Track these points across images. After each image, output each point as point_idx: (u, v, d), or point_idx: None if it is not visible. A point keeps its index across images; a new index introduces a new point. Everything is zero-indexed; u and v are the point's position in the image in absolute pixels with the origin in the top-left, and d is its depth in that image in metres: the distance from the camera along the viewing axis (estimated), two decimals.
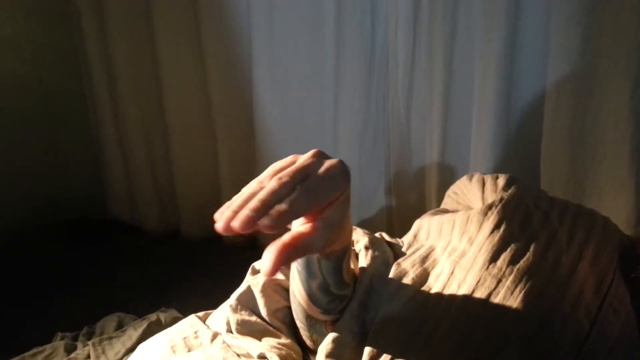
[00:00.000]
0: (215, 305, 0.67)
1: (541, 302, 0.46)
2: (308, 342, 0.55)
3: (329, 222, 0.38)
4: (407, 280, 0.52)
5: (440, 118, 1.15)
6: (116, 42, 1.51)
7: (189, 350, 0.57)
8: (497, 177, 0.65)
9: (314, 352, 0.52)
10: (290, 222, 0.34)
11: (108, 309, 1.00)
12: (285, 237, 0.36)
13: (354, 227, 0.65)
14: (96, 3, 1.50)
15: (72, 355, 0.80)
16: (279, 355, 0.53)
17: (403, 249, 0.60)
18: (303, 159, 0.37)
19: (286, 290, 0.58)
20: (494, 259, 0.50)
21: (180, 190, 1.58)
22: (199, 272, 1.29)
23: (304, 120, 1.35)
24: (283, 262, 0.34)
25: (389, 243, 0.63)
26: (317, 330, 0.53)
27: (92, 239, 1.56)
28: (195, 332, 0.60)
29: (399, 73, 1.20)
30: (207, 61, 1.41)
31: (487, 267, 0.49)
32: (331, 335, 0.49)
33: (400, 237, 0.66)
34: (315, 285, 0.47)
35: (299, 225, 0.38)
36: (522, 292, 0.46)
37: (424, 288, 0.51)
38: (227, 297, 0.63)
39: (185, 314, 0.79)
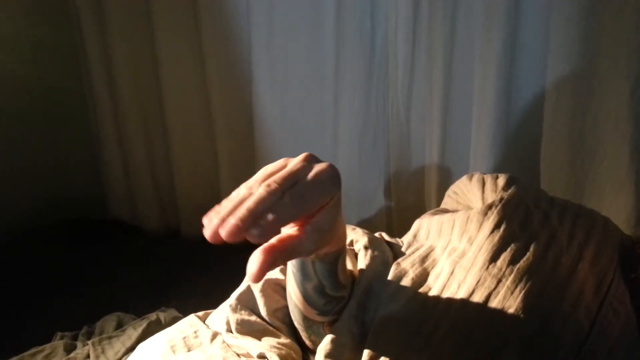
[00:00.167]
0: (215, 305, 0.67)
1: (541, 302, 0.46)
2: (307, 342, 0.55)
3: (318, 227, 0.37)
4: (406, 280, 0.52)
5: (440, 118, 1.15)
6: (116, 42, 1.51)
7: (189, 350, 0.57)
8: (497, 177, 0.65)
9: (314, 352, 0.52)
10: (279, 230, 0.34)
11: (108, 309, 1.00)
12: (273, 240, 0.35)
13: (353, 226, 0.65)
14: (96, 3, 1.50)
15: (72, 354, 0.80)
16: (279, 355, 0.53)
17: (403, 249, 0.60)
18: (293, 163, 0.37)
19: (286, 290, 0.58)
20: (494, 258, 0.50)
21: (180, 190, 1.58)
22: (199, 272, 1.29)
23: (304, 121, 1.35)
24: (270, 265, 0.33)
25: (388, 243, 0.63)
26: (315, 331, 0.53)
27: (92, 239, 1.56)
28: (195, 332, 0.60)
29: (398, 73, 1.20)
30: (207, 61, 1.41)
31: (487, 267, 0.49)
32: (330, 336, 0.49)
33: (400, 237, 0.66)
34: (311, 287, 0.47)
35: (289, 228, 0.38)
36: (522, 292, 0.46)
37: (424, 288, 0.51)
38: (226, 296, 0.63)
39: (185, 313, 0.79)
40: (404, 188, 1.28)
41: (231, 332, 0.58)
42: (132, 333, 0.83)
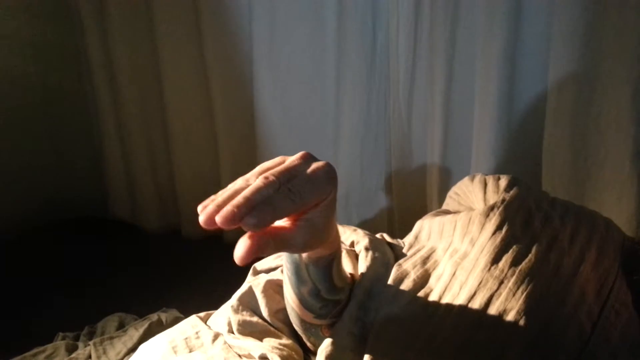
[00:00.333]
0: (216, 305, 0.67)
1: (543, 304, 0.46)
2: (308, 344, 0.55)
3: (311, 224, 0.38)
4: (408, 281, 0.52)
5: (442, 118, 1.15)
6: (117, 42, 1.52)
7: (190, 351, 0.57)
8: (499, 178, 0.65)
9: (315, 353, 0.52)
10: (273, 221, 0.34)
11: (109, 309, 1.00)
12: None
13: (354, 228, 0.65)
14: (97, 3, 1.50)
15: (74, 355, 0.80)
16: (280, 356, 0.53)
17: (404, 250, 0.60)
18: (290, 160, 0.37)
19: None
20: (495, 260, 0.50)
21: (181, 190, 1.59)
22: (200, 272, 1.29)
23: (305, 121, 1.35)
24: (257, 250, 0.33)
25: (389, 244, 0.62)
26: (313, 334, 0.53)
27: (93, 239, 1.56)
28: (197, 333, 0.60)
29: (400, 73, 1.19)
30: (208, 61, 1.41)
31: (489, 269, 0.49)
32: (331, 337, 0.49)
33: (401, 238, 0.66)
34: (306, 291, 0.47)
35: (282, 222, 0.38)
36: (524, 294, 0.46)
37: (425, 289, 0.51)
38: (228, 297, 0.63)
39: (186, 313, 0.79)
40: (405, 188, 1.28)
41: (233, 332, 0.59)
42: (134, 333, 0.83)
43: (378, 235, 0.65)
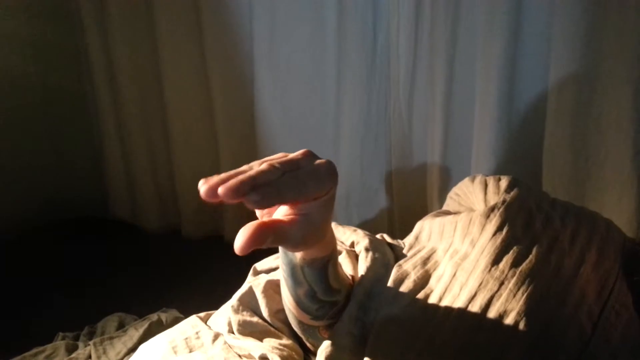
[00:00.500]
0: (216, 305, 0.67)
1: (543, 305, 0.46)
2: (308, 344, 0.55)
3: (309, 220, 0.38)
4: (408, 282, 0.52)
5: (442, 119, 1.15)
6: (118, 42, 1.52)
7: (191, 351, 0.57)
8: (499, 179, 0.65)
9: (315, 354, 0.52)
10: (275, 204, 0.34)
11: (109, 309, 1.00)
12: (264, 219, 0.36)
13: (354, 228, 0.65)
14: (97, 2, 1.50)
15: (74, 355, 0.80)
16: (281, 356, 0.53)
17: (404, 251, 0.60)
18: (293, 154, 0.37)
19: None
20: (496, 261, 0.50)
21: (181, 190, 1.58)
22: (200, 272, 1.29)
23: (305, 121, 1.35)
24: (257, 240, 0.33)
25: (390, 245, 0.62)
26: (312, 335, 0.53)
27: (93, 239, 1.57)
28: (197, 333, 0.60)
29: (400, 73, 1.19)
30: (208, 61, 1.41)
31: (490, 270, 0.49)
32: (330, 338, 0.49)
33: (402, 238, 0.66)
34: (302, 293, 0.47)
35: (280, 216, 0.38)
36: (525, 295, 0.46)
37: (426, 290, 0.51)
38: (228, 297, 0.63)
39: (186, 313, 0.79)
40: (405, 189, 1.28)
41: (233, 333, 0.59)
42: (134, 333, 0.83)
43: (378, 236, 0.65)
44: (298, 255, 0.44)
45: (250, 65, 1.36)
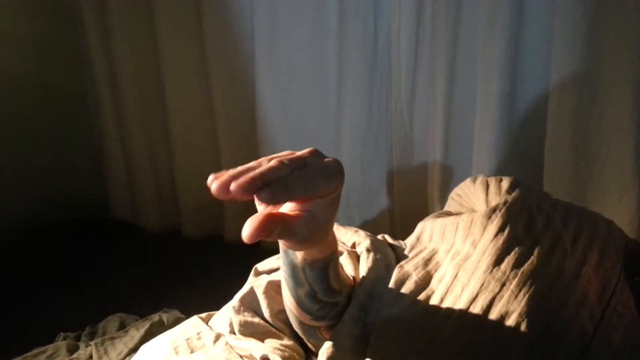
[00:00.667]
0: (217, 306, 0.67)
1: (545, 306, 0.46)
2: (309, 345, 0.55)
3: (314, 217, 0.38)
4: (409, 283, 0.52)
5: (443, 119, 1.15)
6: (118, 42, 1.51)
7: (192, 352, 0.57)
8: (501, 180, 0.65)
9: (316, 354, 0.52)
10: (285, 201, 0.34)
11: (110, 309, 1.00)
12: (272, 211, 0.36)
13: (356, 229, 0.65)
14: (98, 2, 1.50)
15: (75, 355, 0.80)
16: (282, 357, 0.53)
17: (405, 252, 0.59)
18: (300, 152, 0.38)
19: None
20: (498, 262, 0.50)
21: (182, 190, 1.58)
22: (201, 272, 1.29)
23: (306, 121, 1.35)
24: (265, 229, 0.33)
25: (391, 245, 0.62)
26: (313, 336, 0.53)
27: (93, 239, 1.56)
28: (198, 333, 0.60)
29: (401, 74, 1.19)
30: (209, 62, 1.41)
31: (491, 271, 0.49)
32: (331, 339, 0.49)
33: (403, 238, 0.66)
34: (303, 294, 0.47)
35: (287, 211, 0.38)
36: (526, 296, 0.46)
37: (427, 291, 0.51)
38: (229, 297, 0.63)
39: (187, 314, 0.79)
40: (406, 189, 1.28)
41: (234, 333, 0.58)
42: (135, 334, 0.83)
43: (379, 237, 0.65)
44: (299, 256, 0.44)
45: (251, 65, 1.36)
